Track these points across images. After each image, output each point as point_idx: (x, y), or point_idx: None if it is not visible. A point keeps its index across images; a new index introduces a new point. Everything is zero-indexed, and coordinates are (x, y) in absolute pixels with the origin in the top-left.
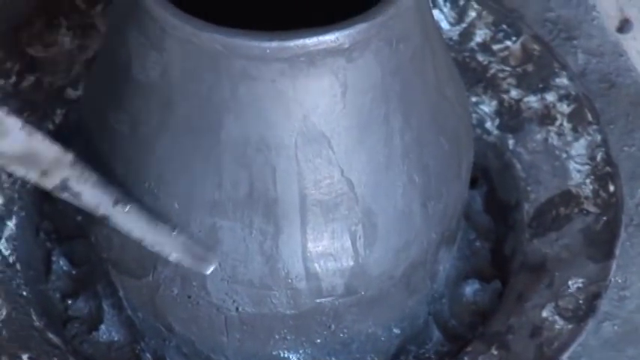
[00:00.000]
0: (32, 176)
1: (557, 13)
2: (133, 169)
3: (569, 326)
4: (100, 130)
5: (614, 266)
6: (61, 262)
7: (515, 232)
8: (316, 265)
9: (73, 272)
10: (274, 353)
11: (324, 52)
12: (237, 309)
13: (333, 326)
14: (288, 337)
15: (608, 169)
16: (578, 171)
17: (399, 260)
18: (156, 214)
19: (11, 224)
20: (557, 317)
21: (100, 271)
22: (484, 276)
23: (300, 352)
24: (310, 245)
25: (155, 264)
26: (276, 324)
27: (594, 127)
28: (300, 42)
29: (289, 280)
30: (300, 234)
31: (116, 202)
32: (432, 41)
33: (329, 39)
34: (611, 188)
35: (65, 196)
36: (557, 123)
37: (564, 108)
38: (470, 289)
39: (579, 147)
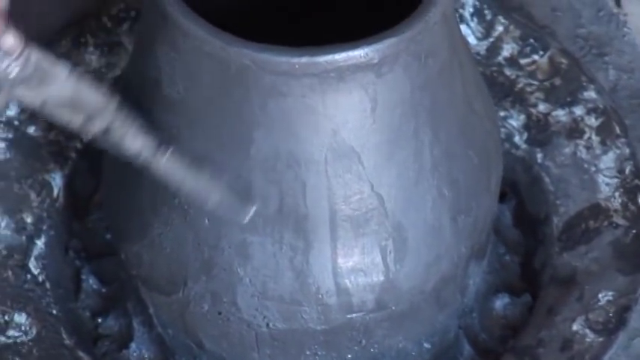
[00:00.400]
0: (77, 121)
1: (589, 29)
2: (163, 185)
3: (600, 339)
4: None
5: None
6: (91, 281)
7: (544, 246)
8: (347, 280)
9: (103, 290)
10: None
11: (354, 67)
12: (267, 325)
13: (363, 341)
14: (319, 353)
15: (637, 181)
16: (607, 184)
17: (429, 274)
18: (186, 231)
19: (40, 243)
20: (587, 330)
21: (130, 288)
22: (514, 290)
23: None
24: (341, 260)
25: (185, 280)
26: (306, 339)
27: (622, 140)
28: (329, 57)
29: (320, 296)
30: (330, 249)
31: (158, 147)
32: (459, 55)
33: (358, 54)
34: None
35: (109, 140)
36: (586, 136)
37: (592, 121)
38: (500, 302)
39: (608, 160)
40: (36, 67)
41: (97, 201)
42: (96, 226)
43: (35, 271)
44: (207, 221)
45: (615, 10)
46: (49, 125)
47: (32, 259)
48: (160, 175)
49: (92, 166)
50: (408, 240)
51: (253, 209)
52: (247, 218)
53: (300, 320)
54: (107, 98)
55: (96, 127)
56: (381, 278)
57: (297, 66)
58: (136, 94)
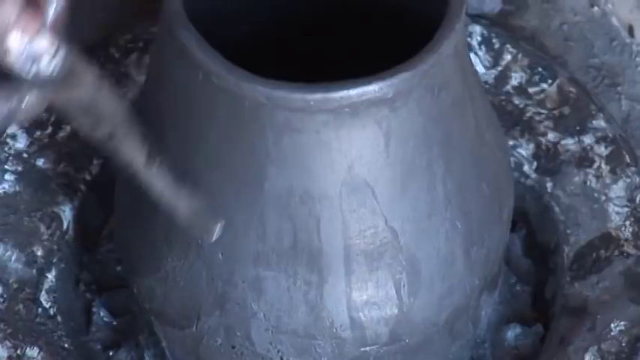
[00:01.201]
0: (87, 123)
1: (601, 59)
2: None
3: None
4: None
5: None
6: (102, 313)
7: (555, 276)
8: (361, 314)
9: (114, 323)
10: None
11: (368, 102)
12: (281, 358)
13: None
14: None
15: None
16: (618, 213)
17: (442, 307)
18: (200, 266)
19: (51, 276)
20: None
21: (142, 321)
22: (525, 320)
23: None
24: (355, 294)
25: (199, 314)
26: None
27: (633, 168)
28: (344, 93)
29: (334, 330)
30: (344, 283)
31: (148, 159)
32: (470, 87)
33: (372, 89)
34: None
35: (107, 146)
36: (595, 165)
37: (602, 150)
38: (511, 333)
39: (618, 189)
40: (69, 69)
41: (107, 233)
42: (106, 259)
43: (46, 305)
44: (220, 256)
45: (628, 40)
46: (58, 157)
47: (43, 292)
48: (144, 184)
49: (101, 198)
50: (421, 273)
51: (220, 227)
52: (214, 237)
53: (314, 354)
54: (119, 105)
55: (101, 132)
56: (395, 311)
57: (312, 102)
58: (148, 125)
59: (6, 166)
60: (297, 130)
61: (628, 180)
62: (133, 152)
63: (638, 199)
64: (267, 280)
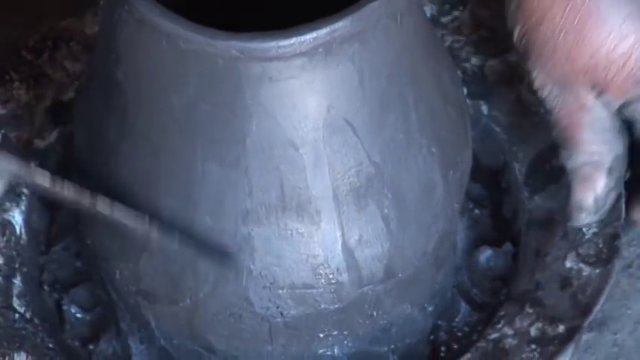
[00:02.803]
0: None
1: None
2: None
3: (597, 271)
4: (113, 154)
5: (623, 204)
6: (73, 310)
7: (510, 194)
8: (356, 254)
9: (87, 318)
10: (319, 352)
11: (340, 39)
12: (281, 314)
13: (374, 314)
14: (332, 334)
15: None
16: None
17: (429, 235)
18: (188, 229)
19: (17, 282)
20: (582, 265)
21: (118, 309)
22: (492, 242)
23: (344, 345)
24: (347, 236)
25: (193, 286)
26: (320, 322)
27: None
28: (317, 33)
29: (331, 275)
30: (337, 227)
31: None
32: (423, 13)
33: (344, 24)
34: None
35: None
36: (526, 80)
37: None
38: (483, 256)
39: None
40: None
41: (56, 232)
42: (63, 257)
43: (21, 309)
44: (208, 219)
45: None
46: None
47: (14, 298)
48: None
49: (44, 199)
50: (406, 203)
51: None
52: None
53: (313, 303)
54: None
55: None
56: (387, 246)
57: (287, 48)
58: (109, 107)
59: None
60: (274, 79)
61: None
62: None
63: None
64: (260, 236)
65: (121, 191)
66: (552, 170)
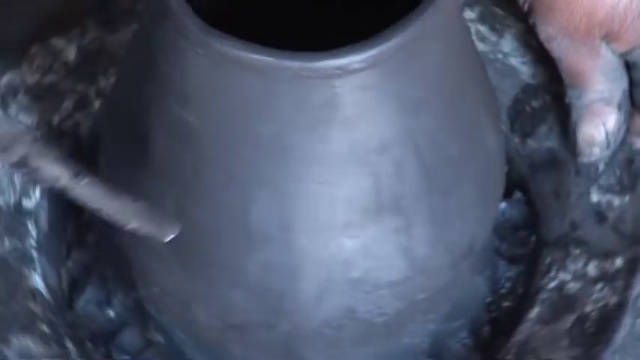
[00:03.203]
0: None
1: None
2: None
3: (627, 197)
4: (187, 194)
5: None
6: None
7: None
8: (445, 237)
9: None
10: (406, 342)
11: (420, 39)
12: (382, 314)
13: (454, 292)
14: (420, 320)
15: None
16: (523, 63)
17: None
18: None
19: (70, 346)
20: (609, 196)
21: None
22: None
23: (427, 328)
24: (437, 222)
25: (294, 308)
26: (412, 312)
27: (511, 17)
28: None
29: (427, 264)
30: (428, 216)
31: (75, 175)
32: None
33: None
34: None
35: (24, 172)
36: (474, 30)
37: (471, 14)
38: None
39: (508, 42)
40: None
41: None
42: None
43: None
44: (305, 238)
45: None
46: None
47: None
48: (79, 202)
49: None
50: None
51: (177, 228)
52: (170, 237)
53: (411, 296)
54: (23, 131)
55: (11, 159)
56: (471, 224)
57: (381, 55)
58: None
59: None
60: (366, 87)
61: (512, 30)
62: (54, 172)
63: (533, 42)
64: (360, 243)
65: (205, 226)
66: (534, 112)
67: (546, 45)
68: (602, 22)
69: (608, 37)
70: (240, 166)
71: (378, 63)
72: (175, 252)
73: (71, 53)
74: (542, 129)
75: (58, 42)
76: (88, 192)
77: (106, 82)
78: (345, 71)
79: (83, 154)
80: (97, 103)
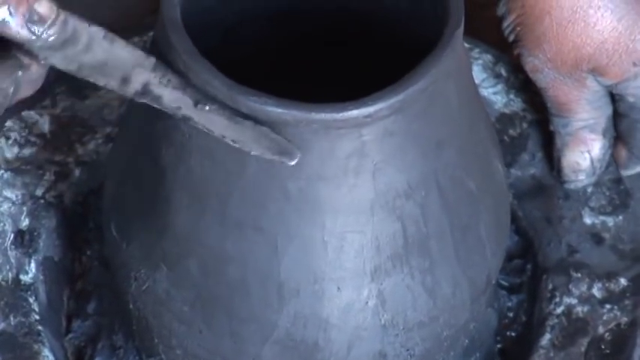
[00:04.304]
0: (113, 84)
1: None
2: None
3: (620, 217)
4: (212, 255)
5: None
6: None
7: None
8: (467, 274)
9: None
10: None
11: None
12: (411, 355)
13: (473, 325)
14: (443, 355)
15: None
16: (494, 93)
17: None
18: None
19: None
20: (602, 217)
21: None
22: None
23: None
24: (460, 259)
25: (328, 356)
26: (437, 349)
27: (475, 51)
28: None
29: (452, 301)
30: (453, 252)
31: (197, 103)
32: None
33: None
34: None
35: (146, 100)
36: None
37: None
38: None
39: (476, 74)
40: (73, 31)
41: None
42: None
43: None
44: (335, 288)
45: None
46: None
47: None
48: (201, 128)
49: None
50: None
51: (299, 153)
52: (295, 161)
53: (438, 334)
54: (144, 57)
55: (133, 88)
56: (488, 260)
57: (405, 101)
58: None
59: None
60: (394, 133)
61: (480, 61)
62: (176, 101)
63: (501, 70)
64: (389, 287)
65: (234, 283)
66: (513, 141)
67: (532, 75)
68: (590, 56)
69: (595, 71)
70: (269, 221)
71: (403, 108)
72: (201, 312)
73: (45, 124)
74: (524, 157)
75: (30, 114)
76: (210, 119)
77: (83, 149)
78: (373, 118)
79: (69, 224)
80: (77, 172)
